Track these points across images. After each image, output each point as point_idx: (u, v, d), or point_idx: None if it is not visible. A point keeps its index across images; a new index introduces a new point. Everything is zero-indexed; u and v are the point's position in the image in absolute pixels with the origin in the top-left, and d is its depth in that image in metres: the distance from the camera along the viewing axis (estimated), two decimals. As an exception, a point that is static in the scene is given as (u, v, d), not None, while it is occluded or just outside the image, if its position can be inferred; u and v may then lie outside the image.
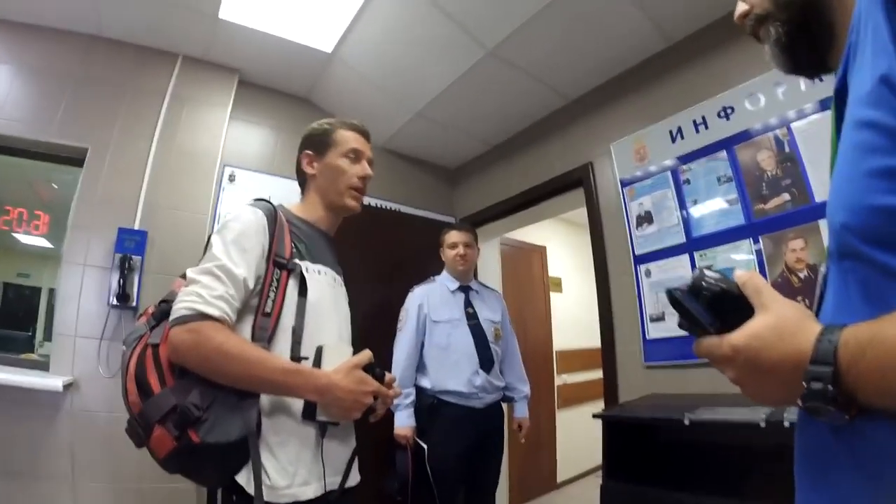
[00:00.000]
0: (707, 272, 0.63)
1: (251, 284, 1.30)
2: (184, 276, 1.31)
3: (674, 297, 0.65)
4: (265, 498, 1.20)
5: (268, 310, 1.31)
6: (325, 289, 1.50)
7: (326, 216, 1.62)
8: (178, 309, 1.20)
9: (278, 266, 1.36)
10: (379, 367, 1.39)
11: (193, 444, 1.13)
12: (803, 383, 0.52)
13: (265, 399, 1.28)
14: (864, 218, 0.53)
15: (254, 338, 1.29)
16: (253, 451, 1.18)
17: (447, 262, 3.21)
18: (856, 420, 0.51)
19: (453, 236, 3.19)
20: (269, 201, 1.49)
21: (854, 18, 0.60)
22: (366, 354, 1.35)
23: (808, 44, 0.72)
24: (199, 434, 1.13)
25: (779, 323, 0.57)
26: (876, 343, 0.47)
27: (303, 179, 1.67)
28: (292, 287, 1.38)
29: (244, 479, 1.20)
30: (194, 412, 1.14)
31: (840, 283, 0.59)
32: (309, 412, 1.30)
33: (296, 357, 1.32)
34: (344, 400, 1.26)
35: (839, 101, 0.65)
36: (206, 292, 1.22)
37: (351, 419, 1.35)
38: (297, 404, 1.31)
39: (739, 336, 0.59)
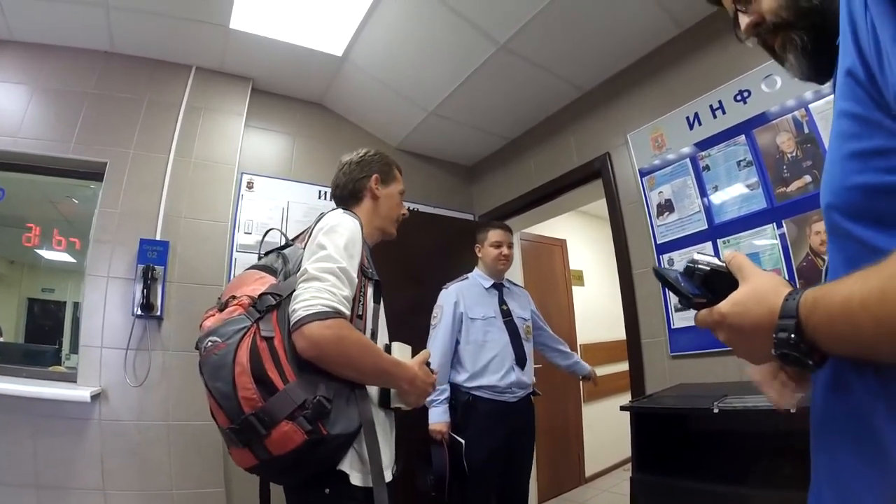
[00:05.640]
0: (697, 255, 0.77)
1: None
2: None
3: (660, 275, 0.77)
4: (368, 483, 1.28)
5: (360, 313, 1.42)
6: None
7: (373, 233, 1.74)
8: (313, 305, 1.22)
9: (364, 275, 1.47)
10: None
11: (322, 437, 1.18)
12: (773, 335, 0.61)
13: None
14: (844, 197, 0.62)
15: None
16: (370, 438, 1.27)
17: (488, 260, 3.12)
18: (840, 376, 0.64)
19: (497, 235, 3.11)
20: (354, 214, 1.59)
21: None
22: (427, 352, 1.56)
23: (830, 49, 0.73)
24: (326, 426, 1.19)
25: (756, 290, 0.67)
26: (826, 297, 0.57)
27: (359, 194, 1.75)
28: (370, 294, 1.50)
29: (347, 466, 1.27)
30: (327, 405, 1.19)
31: (834, 259, 0.69)
32: (384, 401, 1.46)
33: None
34: (422, 389, 1.47)
35: None
36: (336, 291, 1.27)
37: (420, 405, 1.52)
38: (374, 394, 1.46)
39: (725, 304, 0.70)
